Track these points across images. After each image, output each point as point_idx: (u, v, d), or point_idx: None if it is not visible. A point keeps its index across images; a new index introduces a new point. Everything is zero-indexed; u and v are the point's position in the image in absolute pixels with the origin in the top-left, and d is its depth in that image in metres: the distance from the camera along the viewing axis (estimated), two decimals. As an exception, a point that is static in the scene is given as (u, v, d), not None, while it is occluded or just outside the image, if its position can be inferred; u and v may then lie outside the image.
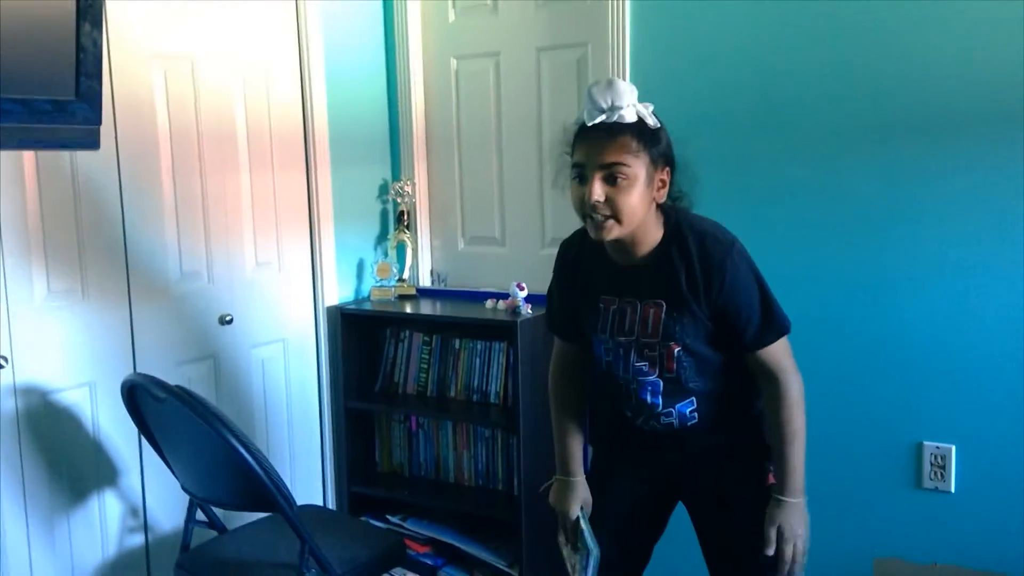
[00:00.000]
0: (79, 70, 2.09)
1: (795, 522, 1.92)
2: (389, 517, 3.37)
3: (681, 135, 1.90)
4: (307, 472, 3.37)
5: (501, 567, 3.11)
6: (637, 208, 1.80)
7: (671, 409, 1.96)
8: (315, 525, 2.44)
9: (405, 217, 3.51)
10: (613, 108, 1.78)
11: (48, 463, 2.53)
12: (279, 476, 2.25)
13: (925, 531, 2.69)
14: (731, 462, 2.02)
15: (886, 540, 2.74)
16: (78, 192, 2.56)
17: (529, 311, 3.08)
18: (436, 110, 3.56)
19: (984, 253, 2.54)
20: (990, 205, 2.52)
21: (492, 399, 3.23)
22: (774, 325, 1.90)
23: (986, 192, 2.52)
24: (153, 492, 2.79)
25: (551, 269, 2.14)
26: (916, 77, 2.58)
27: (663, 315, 1.88)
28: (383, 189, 3.57)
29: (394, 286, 3.48)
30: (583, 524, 2.07)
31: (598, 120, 1.79)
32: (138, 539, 2.78)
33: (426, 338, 3.37)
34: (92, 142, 2.21)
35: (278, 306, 3.22)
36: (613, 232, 1.82)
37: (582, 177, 1.81)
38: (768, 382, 1.93)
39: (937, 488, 2.67)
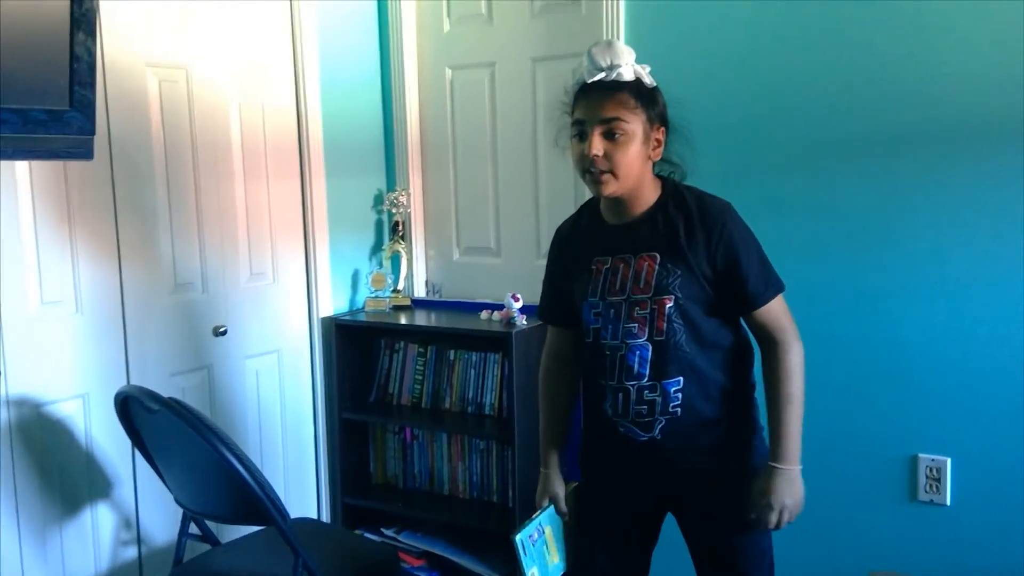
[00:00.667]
0: (73, 79, 2.07)
1: (784, 491, 1.90)
2: (383, 530, 3.35)
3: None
4: (301, 484, 3.36)
5: (496, 580, 3.10)
6: (634, 163, 1.86)
7: (656, 383, 1.91)
8: (309, 538, 2.43)
9: (400, 227, 3.51)
10: (612, 67, 1.85)
11: (41, 475, 2.51)
12: (272, 488, 2.23)
13: (920, 544, 2.68)
14: (717, 487, 1.99)
15: (881, 553, 2.73)
16: (71, 202, 2.55)
17: (524, 322, 3.07)
18: (431, 120, 3.56)
19: (980, 266, 2.54)
20: (987, 218, 2.52)
21: (487, 410, 3.22)
22: (772, 278, 1.92)
23: (983, 205, 2.52)
24: (146, 505, 2.78)
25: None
26: (914, 88, 2.58)
27: (656, 266, 1.89)
28: (378, 199, 3.56)
29: (389, 297, 3.48)
30: (526, 535, 2.03)
31: (598, 77, 1.86)
32: (131, 552, 2.76)
33: (421, 349, 3.36)
34: (86, 152, 2.19)
35: (272, 317, 3.21)
36: (610, 186, 1.87)
37: (582, 134, 1.88)
38: (768, 345, 1.93)
39: (932, 501, 2.67)
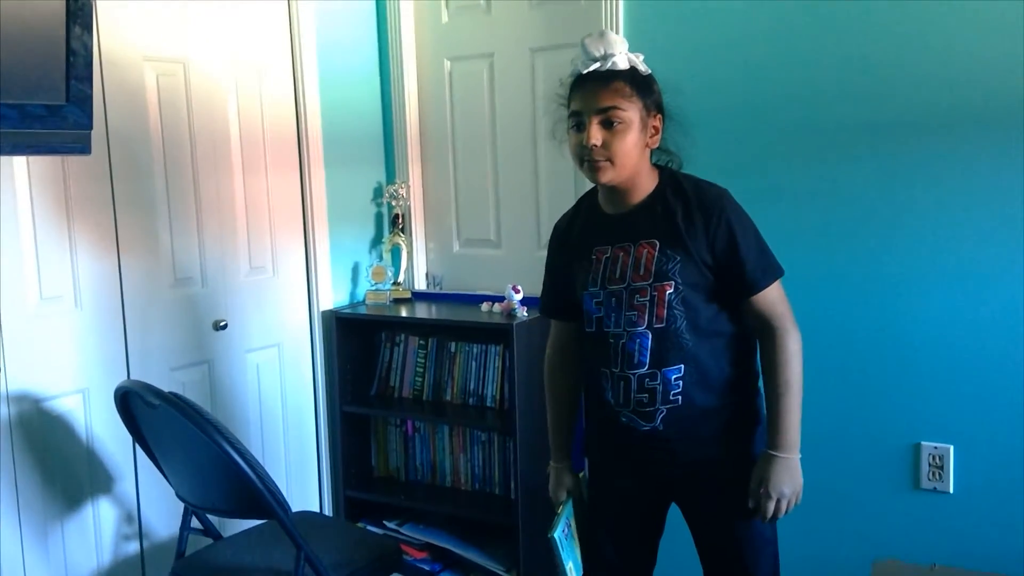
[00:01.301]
0: (69, 74, 2.07)
1: (782, 479, 1.90)
2: (385, 522, 3.35)
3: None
4: (303, 477, 3.35)
5: (499, 571, 3.09)
6: (632, 151, 1.87)
7: (656, 371, 1.91)
8: (311, 531, 2.42)
9: (400, 220, 3.50)
10: (606, 56, 1.87)
11: (42, 471, 2.51)
12: (274, 482, 2.23)
13: (924, 532, 2.68)
14: (720, 477, 1.99)
15: (884, 541, 2.73)
16: (70, 197, 2.55)
17: (525, 314, 3.07)
18: (430, 112, 3.55)
19: (982, 254, 2.53)
20: (989, 205, 2.51)
21: (488, 402, 3.22)
22: (771, 263, 1.92)
23: (985, 192, 2.51)
24: (148, 499, 2.78)
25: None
26: (915, 77, 2.57)
27: (656, 253, 1.89)
28: (377, 192, 3.55)
29: (389, 289, 3.47)
30: (560, 532, 2.03)
31: (592, 68, 1.88)
32: (133, 546, 2.76)
33: (422, 341, 3.36)
34: (83, 147, 2.19)
35: (272, 310, 3.21)
36: (608, 174, 1.88)
37: (579, 124, 1.89)
38: (766, 332, 1.92)
39: (936, 489, 2.66)
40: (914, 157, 2.59)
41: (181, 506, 2.54)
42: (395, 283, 3.49)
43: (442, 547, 3.23)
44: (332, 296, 3.40)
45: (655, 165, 1.98)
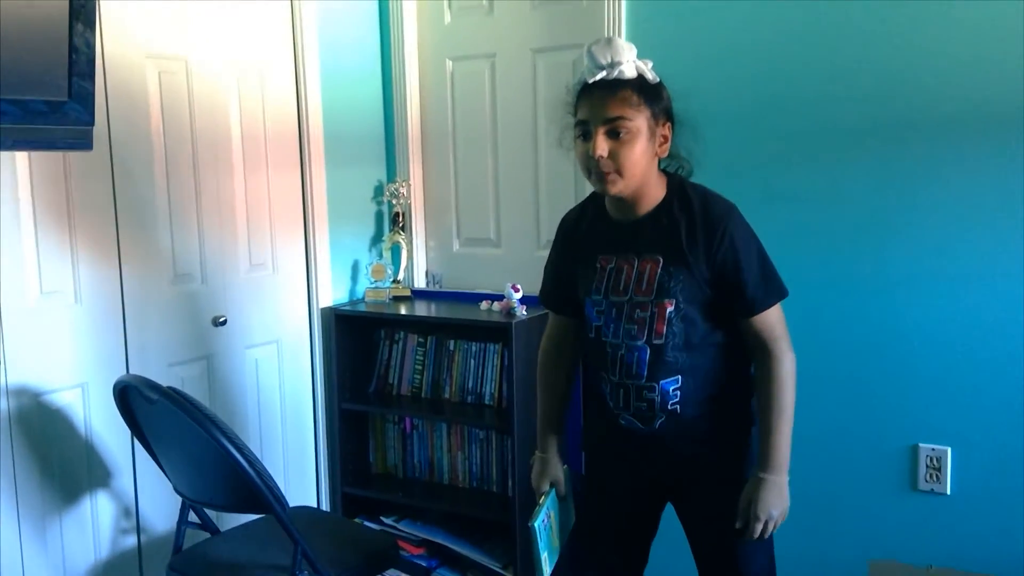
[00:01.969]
0: (72, 71, 2.08)
1: (770, 500, 1.90)
2: (383, 518, 3.36)
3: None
4: (300, 473, 3.36)
5: (495, 568, 3.10)
6: (640, 161, 1.84)
7: (654, 384, 1.92)
8: (308, 527, 2.43)
9: (400, 218, 3.51)
10: (613, 64, 1.82)
11: (40, 464, 2.52)
12: (271, 477, 2.24)
13: (921, 533, 2.68)
14: (715, 477, 1.99)
15: (881, 542, 2.74)
16: (71, 193, 2.55)
17: (524, 312, 3.07)
18: (432, 111, 3.55)
19: (981, 256, 2.54)
20: (988, 208, 2.52)
21: (487, 400, 3.23)
22: (773, 286, 1.91)
23: (985, 195, 2.52)
24: (145, 493, 2.78)
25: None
26: (916, 79, 2.57)
27: (659, 270, 1.88)
28: (378, 190, 3.56)
29: (389, 287, 3.48)
30: (540, 522, 2.04)
31: (599, 76, 1.83)
32: (130, 540, 2.77)
33: (421, 339, 3.36)
34: (85, 143, 2.20)
35: (272, 307, 3.21)
36: (617, 185, 1.85)
37: (586, 134, 1.85)
38: (761, 354, 1.92)
39: (933, 490, 2.67)
40: (916, 159, 2.59)
41: (179, 500, 2.55)
42: (395, 281, 3.50)
43: (439, 543, 3.24)
44: (332, 293, 3.41)
45: (664, 171, 1.95)
